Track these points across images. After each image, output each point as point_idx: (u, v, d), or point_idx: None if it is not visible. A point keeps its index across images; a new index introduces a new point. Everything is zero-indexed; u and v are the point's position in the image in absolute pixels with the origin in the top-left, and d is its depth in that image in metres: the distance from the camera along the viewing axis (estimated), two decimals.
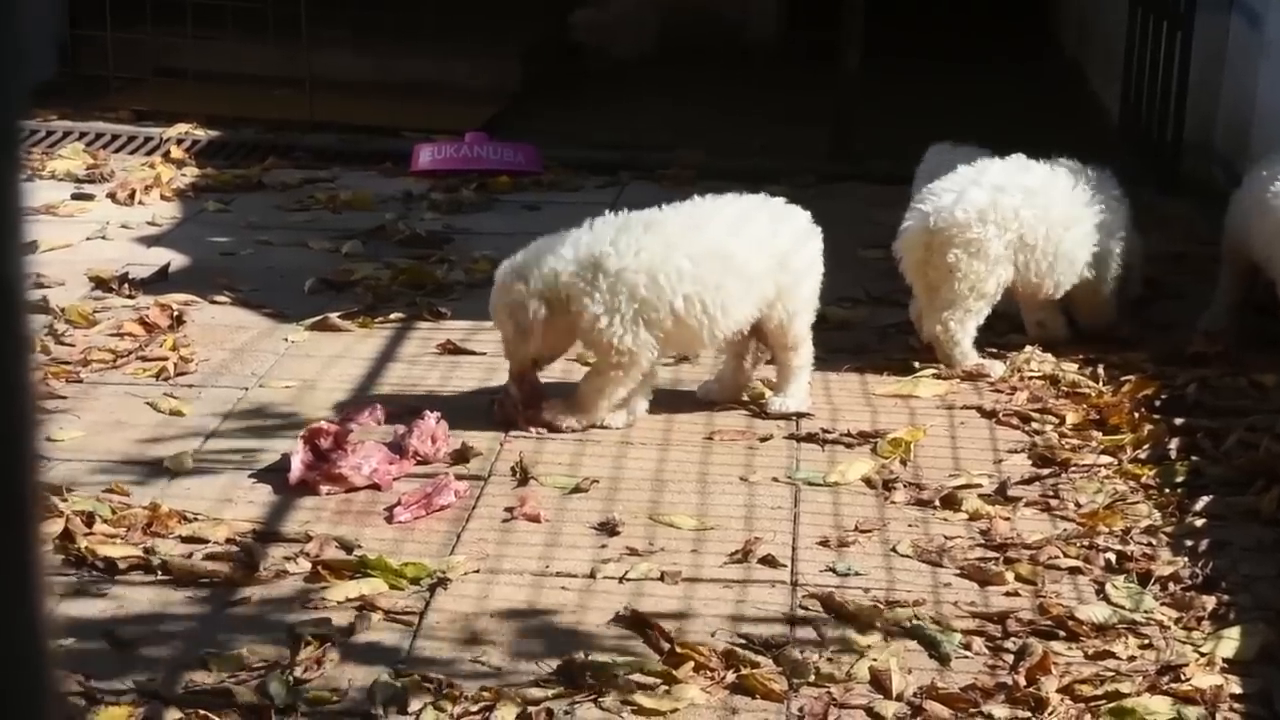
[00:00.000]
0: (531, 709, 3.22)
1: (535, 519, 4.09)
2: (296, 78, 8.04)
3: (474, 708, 3.22)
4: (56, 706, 0.90)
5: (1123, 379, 5.00)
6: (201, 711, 3.16)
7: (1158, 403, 4.84)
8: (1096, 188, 5.33)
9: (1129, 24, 7.72)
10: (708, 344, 4.70)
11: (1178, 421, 4.69)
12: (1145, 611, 3.69)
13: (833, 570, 3.87)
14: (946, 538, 4.04)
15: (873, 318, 5.60)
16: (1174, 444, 4.56)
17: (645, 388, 4.68)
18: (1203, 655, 3.48)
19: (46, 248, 6.07)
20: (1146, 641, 3.57)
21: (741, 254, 4.61)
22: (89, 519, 3.95)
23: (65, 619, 3.55)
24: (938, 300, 5.15)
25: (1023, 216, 5.14)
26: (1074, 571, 3.89)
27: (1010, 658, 3.48)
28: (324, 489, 4.19)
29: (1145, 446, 4.56)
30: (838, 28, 7.50)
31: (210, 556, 3.82)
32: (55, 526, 3.89)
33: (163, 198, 6.83)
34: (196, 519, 4.01)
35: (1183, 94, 7.01)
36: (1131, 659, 3.50)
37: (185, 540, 3.91)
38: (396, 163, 7.40)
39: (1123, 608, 3.70)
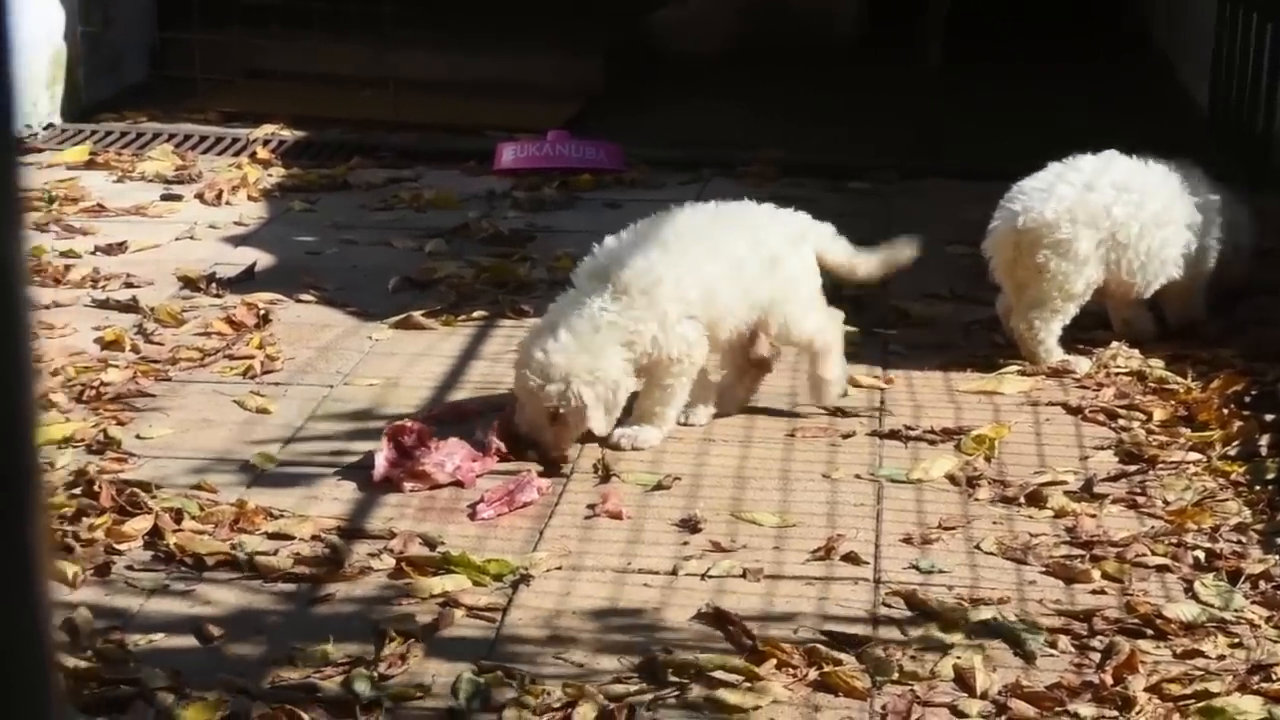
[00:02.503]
0: (613, 706, 3.22)
1: (617, 516, 4.09)
2: (381, 78, 8.09)
3: (556, 704, 3.23)
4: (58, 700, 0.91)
5: (1211, 375, 4.94)
6: (287, 707, 3.18)
7: (1247, 399, 4.78)
8: (1187, 184, 5.27)
9: (1218, 16, 7.63)
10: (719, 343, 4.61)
11: (1268, 418, 4.62)
12: (1235, 610, 3.65)
13: (916, 568, 3.85)
14: (1031, 535, 4.01)
15: (957, 314, 5.56)
16: (1264, 440, 4.50)
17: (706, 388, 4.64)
18: None
19: (136, 248, 6.15)
20: (1236, 640, 3.53)
21: (738, 257, 4.53)
22: (178, 516, 3.99)
23: (154, 614, 3.59)
24: (1025, 299, 5.11)
25: (1114, 214, 5.09)
26: (1162, 569, 3.85)
27: (1097, 656, 3.45)
28: (408, 486, 4.21)
29: (1234, 443, 4.51)
30: (920, 24, 7.45)
31: (296, 553, 3.86)
32: (145, 523, 3.94)
33: (249, 198, 6.89)
34: (282, 516, 4.04)
35: (1273, 87, 6.91)
36: (1221, 658, 3.46)
37: (271, 537, 3.94)
38: (480, 161, 7.43)
39: (1212, 606, 3.66)
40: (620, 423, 4.48)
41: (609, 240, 4.55)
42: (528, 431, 4.38)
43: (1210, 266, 5.31)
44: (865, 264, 4.83)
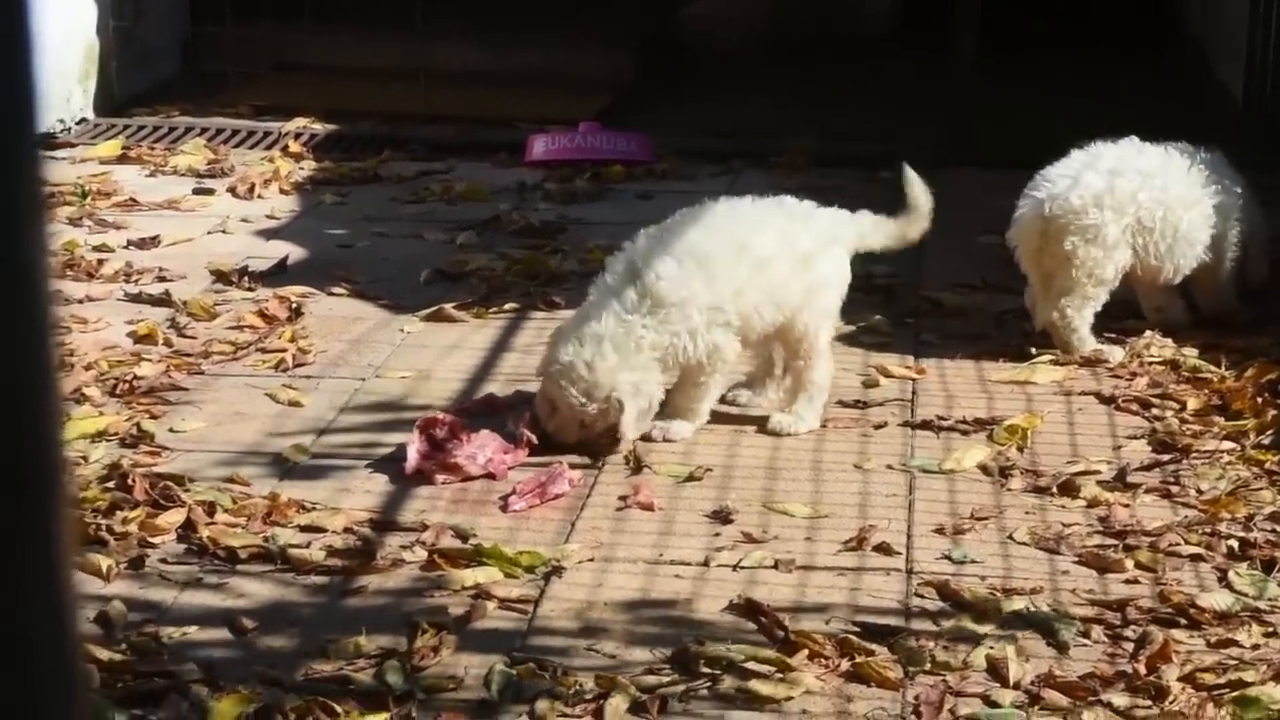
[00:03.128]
0: (645, 697, 3.23)
1: (649, 507, 4.09)
2: (412, 70, 8.10)
3: (588, 695, 3.24)
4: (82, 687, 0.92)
5: (1245, 364, 4.92)
6: (320, 699, 3.19)
7: None
8: (1211, 170, 5.25)
9: (1250, 5, 7.58)
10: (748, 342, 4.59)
11: None
12: (1269, 599, 3.63)
13: (948, 558, 3.84)
14: (1064, 525, 4.00)
15: (989, 304, 5.55)
16: None
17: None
18: None
19: (169, 242, 6.17)
20: (1271, 630, 3.52)
21: (766, 255, 4.49)
22: (210, 509, 4.01)
23: (187, 607, 3.61)
24: (1054, 287, 5.09)
25: (1140, 200, 5.07)
26: (1195, 559, 3.84)
27: (1130, 646, 3.44)
28: (440, 478, 4.22)
29: (1269, 432, 4.48)
30: (953, 16, 7.42)
31: (328, 545, 3.87)
32: (178, 516, 3.96)
33: (281, 191, 6.91)
34: (315, 508, 4.06)
35: None
36: (1255, 647, 3.45)
37: (304, 529, 3.96)
38: (511, 153, 7.43)
39: (1246, 595, 3.65)
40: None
41: (640, 240, 4.52)
42: (554, 433, 4.38)
43: (1236, 252, 5.29)
44: (886, 233, 4.78)
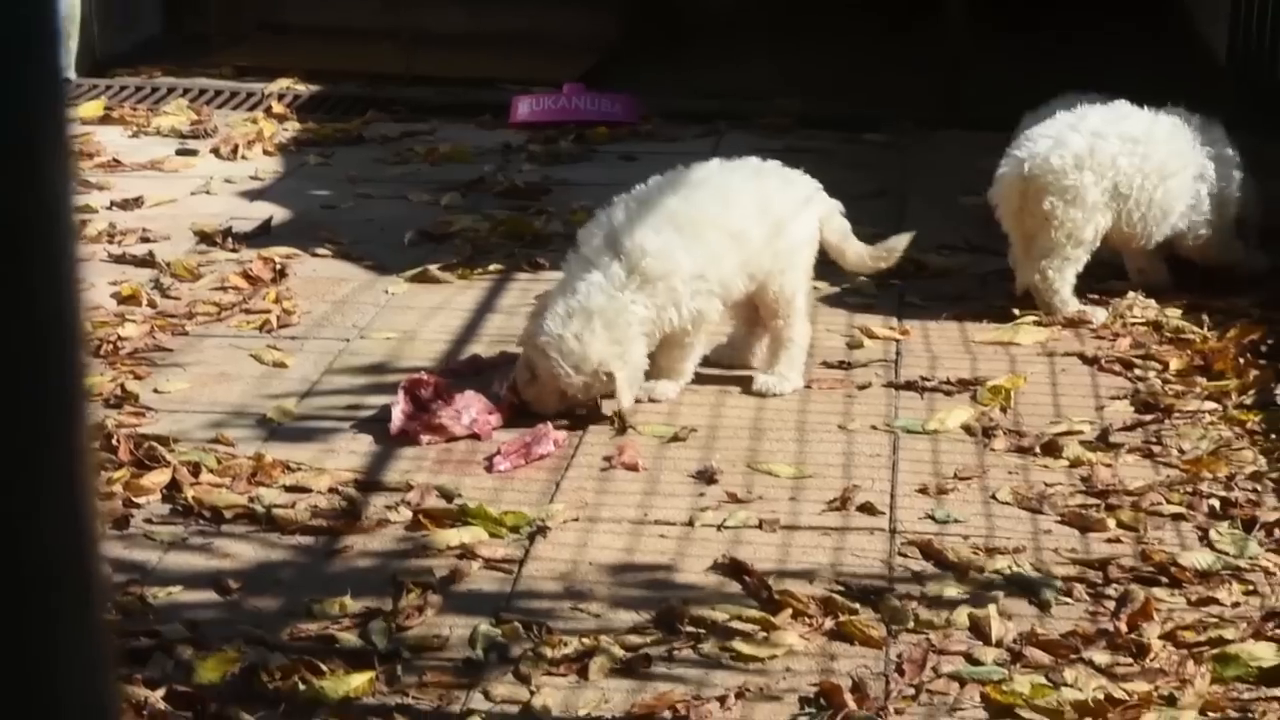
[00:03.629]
0: (630, 656, 3.24)
1: (634, 468, 4.10)
2: (396, 31, 8.07)
3: (573, 655, 3.25)
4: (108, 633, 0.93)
5: (1228, 324, 4.93)
6: (305, 658, 3.20)
7: (1263, 348, 4.77)
8: (1200, 136, 5.24)
9: None
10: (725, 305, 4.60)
11: None
12: (1250, 558, 3.65)
13: (932, 518, 3.86)
14: (1047, 485, 4.02)
15: (973, 265, 5.55)
16: None
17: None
18: None
19: (152, 203, 6.15)
20: (1251, 588, 3.54)
21: (744, 221, 4.48)
22: (195, 469, 4.01)
23: (172, 567, 3.61)
24: (1035, 248, 5.10)
25: (1119, 165, 5.08)
26: (1177, 518, 3.86)
27: (1112, 604, 3.46)
28: (424, 439, 4.22)
29: (1250, 392, 4.51)
30: None
31: (313, 506, 3.87)
32: (163, 476, 3.96)
33: (265, 152, 6.89)
34: (300, 469, 4.06)
35: None
36: (1235, 605, 3.47)
37: (289, 490, 3.96)
38: (495, 115, 7.42)
39: (1227, 554, 3.67)
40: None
41: (619, 211, 4.49)
42: (531, 400, 4.38)
43: (1232, 214, 5.29)
44: (855, 251, 4.77)
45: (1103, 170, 5.05)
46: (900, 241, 4.84)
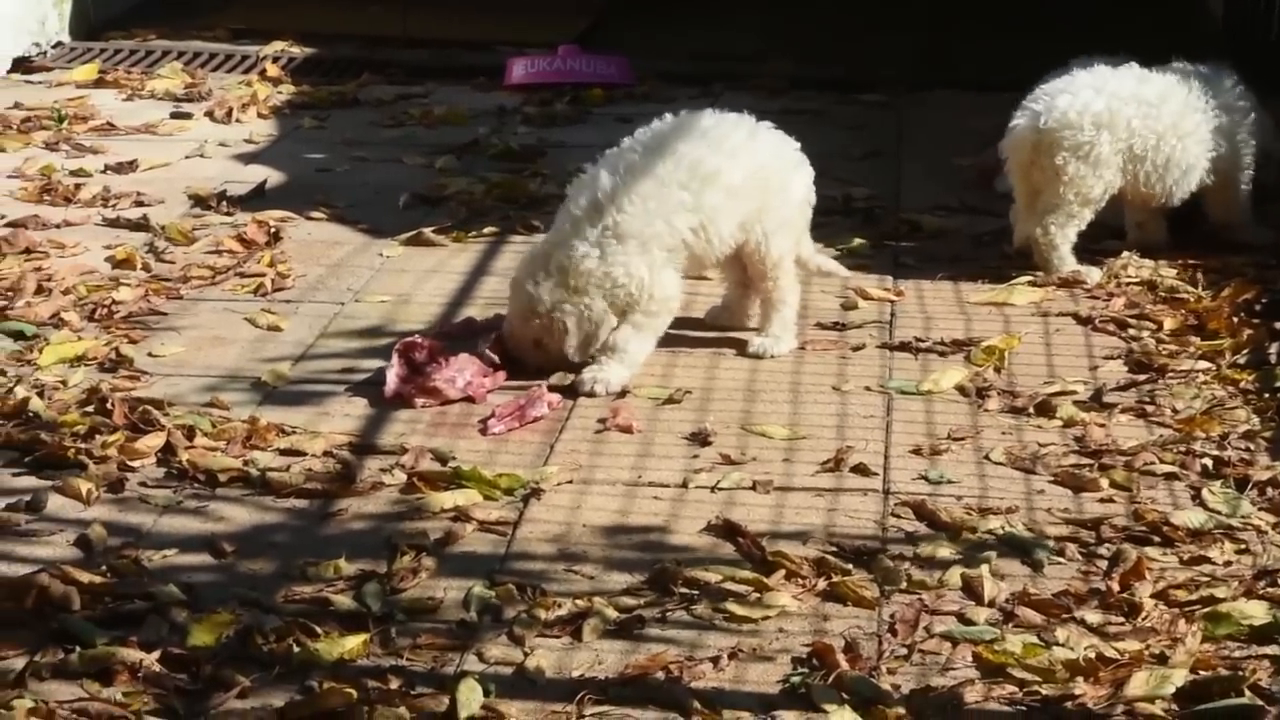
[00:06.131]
0: (624, 617, 3.25)
1: (628, 430, 4.11)
2: None
3: (566, 616, 3.26)
4: None
5: (1222, 284, 4.94)
6: (300, 620, 3.21)
7: (1257, 307, 4.78)
8: (1213, 93, 5.23)
9: None
10: (711, 264, 4.60)
11: (1277, 325, 4.63)
12: (1242, 516, 3.66)
13: (925, 478, 3.86)
14: (1040, 445, 4.02)
15: (967, 226, 5.55)
16: (1274, 348, 4.51)
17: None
18: None
19: (147, 166, 6.14)
20: (1243, 546, 3.55)
21: (725, 170, 4.45)
22: (190, 433, 4.02)
23: (167, 531, 3.62)
24: (1040, 203, 5.10)
25: (1134, 126, 5.07)
26: (1170, 477, 3.87)
27: (1104, 564, 3.47)
28: (419, 402, 4.23)
29: (1244, 351, 4.51)
30: None
31: (308, 469, 3.88)
32: (158, 440, 3.96)
33: (259, 115, 6.88)
34: (294, 432, 4.07)
35: None
36: (1228, 564, 3.48)
37: (283, 453, 3.97)
38: (490, 77, 7.40)
39: (1219, 513, 3.68)
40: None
41: (604, 175, 4.45)
42: (512, 349, 4.41)
43: (1244, 169, 5.29)
44: (809, 250, 4.77)
45: (1117, 130, 5.04)
46: (840, 272, 4.93)
